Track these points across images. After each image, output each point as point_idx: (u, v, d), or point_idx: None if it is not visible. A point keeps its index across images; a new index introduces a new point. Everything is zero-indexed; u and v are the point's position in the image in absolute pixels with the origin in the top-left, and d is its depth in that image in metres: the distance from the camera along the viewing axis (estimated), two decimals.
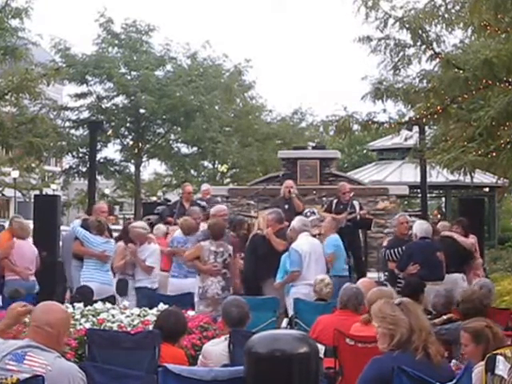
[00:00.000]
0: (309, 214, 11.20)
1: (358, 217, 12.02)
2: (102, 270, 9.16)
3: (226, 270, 8.64)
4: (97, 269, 9.15)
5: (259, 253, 9.40)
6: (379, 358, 4.15)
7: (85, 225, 9.57)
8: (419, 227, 9.23)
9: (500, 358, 4.20)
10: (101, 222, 9.40)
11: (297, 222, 9.23)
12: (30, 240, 9.91)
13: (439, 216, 23.63)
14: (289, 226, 9.37)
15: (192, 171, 32.12)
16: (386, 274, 10.00)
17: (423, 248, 8.98)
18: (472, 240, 9.81)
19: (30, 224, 10.80)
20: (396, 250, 9.53)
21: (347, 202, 12.15)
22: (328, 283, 7.79)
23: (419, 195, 21.91)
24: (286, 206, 11.38)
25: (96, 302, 7.18)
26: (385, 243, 10.10)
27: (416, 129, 13.07)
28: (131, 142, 30.11)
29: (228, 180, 33.49)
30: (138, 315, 6.64)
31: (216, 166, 33.03)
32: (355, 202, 12.22)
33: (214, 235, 8.77)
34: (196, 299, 8.56)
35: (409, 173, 22.69)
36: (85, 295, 7.55)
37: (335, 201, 12.31)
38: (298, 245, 8.87)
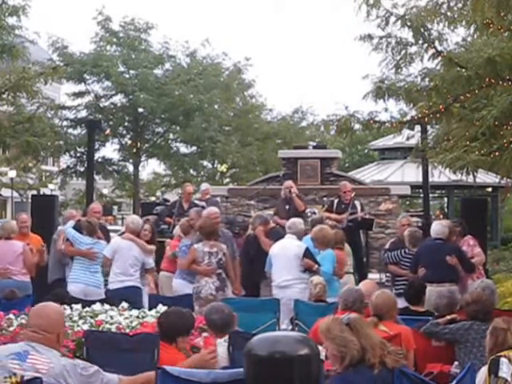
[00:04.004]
0: (309, 214, 11.13)
1: (359, 218, 11.92)
2: (88, 270, 8.94)
3: (220, 270, 8.56)
4: (83, 270, 8.95)
5: (251, 254, 9.43)
6: (335, 379, 4.05)
7: (77, 226, 9.42)
8: (432, 228, 9.13)
9: (504, 361, 4.21)
10: (91, 223, 9.22)
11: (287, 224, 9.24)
12: (13, 239, 9.64)
13: (441, 216, 23.53)
14: None
15: (191, 171, 32.11)
16: (388, 275, 9.90)
17: (431, 249, 8.85)
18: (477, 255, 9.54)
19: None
20: (395, 252, 9.39)
21: (348, 201, 12.04)
22: (316, 283, 7.75)
23: (421, 195, 21.80)
24: (287, 207, 11.31)
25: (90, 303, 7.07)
26: (387, 245, 9.97)
27: (418, 128, 12.97)
28: (129, 142, 30.08)
29: (228, 180, 33.46)
30: (137, 317, 6.56)
31: (215, 165, 33.00)
32: (357, 202, 12.12)
33: (205, 236, 8.71)
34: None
35: (411, 172, 22.60)
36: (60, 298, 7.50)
37: (336, 200, 12.21)
38: (272, 248, 8.98)
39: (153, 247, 9.14)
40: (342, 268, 9.17)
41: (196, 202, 12.24)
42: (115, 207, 45.73)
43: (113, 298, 8.02)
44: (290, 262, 8.65)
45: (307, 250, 8.72)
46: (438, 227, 9.09)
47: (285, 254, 8.72)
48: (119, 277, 8.74)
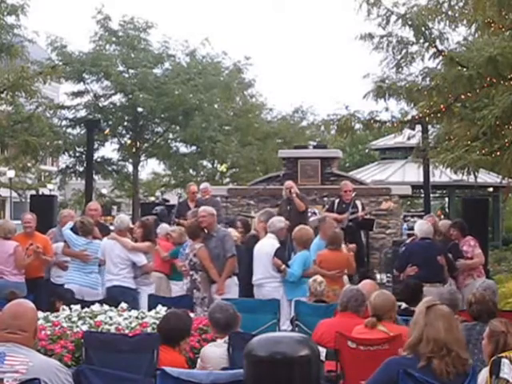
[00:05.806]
0: (310, 214, 11.06)
1: (360, 218, 11.85)
2: (83, 271, 8.94)
3: (192, 272, 8.68)
4: (77, 270, 8.96)
5: (250, 254, 9.41)
6: (390, 360, 4.11)
7: (74, 227, 9.39)
8: (419, 227, 9.11)
9: (505, 361, 4.18)
10: (83, 223, 9.14)
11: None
12: (11, 239, 9.58)
13: (442, 216, 23.51)
14: (290, 227, 9.29)
15: (191, 171, 32.01)
16: (389, 275, 9.88)
17: (422, 249, 8.85)
18: (473, 251, 9.52)
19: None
20: None
21: (349, 201, 11.98)
22: (321, 281, 7.72)
23: (422, 195, 21.79)
24: (289, 207, 11.25)
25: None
26: (408, 241, 9.96)
27: (419, 128, 12.97)
28: (129, 141, 29.99)
29: (227, 180, 33.38)
30: (136, 317, 6.53)
31: (215, 165, 32.91)
32: (357, 202, 12.05)
33: (190, 237, 8.93)
34: None
35: (412, 172, 22.57)
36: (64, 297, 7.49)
37: (337, 200, 12.14)
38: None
39: (144, 244, 8.96)
40: (350, 267, 9.17)
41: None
42: (114, 207, 45.70)
43: (107, 296, 8.12)
44: (263, 260, 8.83)
45: (278, 249, 8.84)
46: (426, 227, 9.08)
47: (260, 252, 8.91)
48: (107, 276, 8.80)
